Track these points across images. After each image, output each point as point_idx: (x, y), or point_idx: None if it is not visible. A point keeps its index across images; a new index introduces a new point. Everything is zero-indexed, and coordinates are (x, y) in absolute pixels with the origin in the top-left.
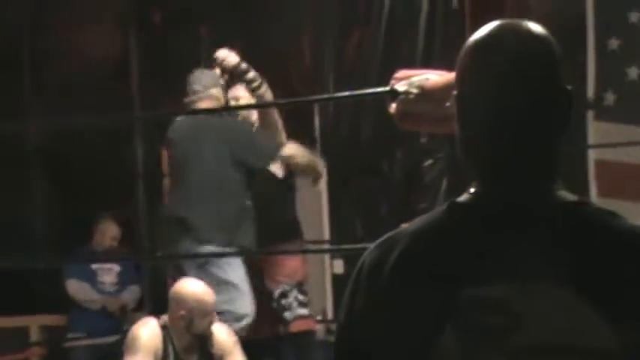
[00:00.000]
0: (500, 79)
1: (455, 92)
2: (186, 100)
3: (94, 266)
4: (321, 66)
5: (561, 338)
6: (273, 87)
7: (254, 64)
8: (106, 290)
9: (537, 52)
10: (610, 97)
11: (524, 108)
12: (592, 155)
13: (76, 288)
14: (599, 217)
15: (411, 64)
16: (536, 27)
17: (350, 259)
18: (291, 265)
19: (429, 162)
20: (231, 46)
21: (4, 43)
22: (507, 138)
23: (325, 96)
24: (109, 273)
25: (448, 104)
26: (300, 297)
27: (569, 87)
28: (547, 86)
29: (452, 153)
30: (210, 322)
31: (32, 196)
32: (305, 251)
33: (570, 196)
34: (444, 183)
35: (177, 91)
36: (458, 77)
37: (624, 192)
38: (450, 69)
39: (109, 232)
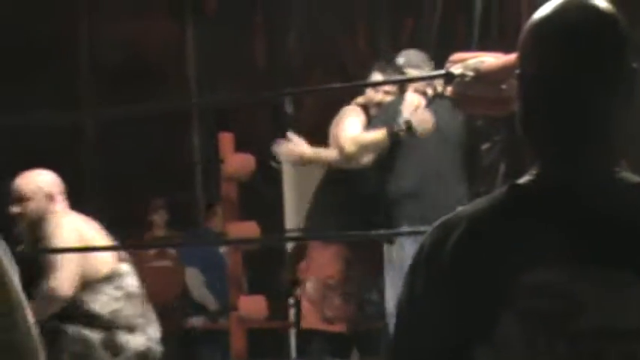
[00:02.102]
0: (565, 58)
1: (517, 71)
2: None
3: (222, 250)
4: (376, 51)
5: (622, 322)
6: (328, 74)
7: (308, 52)
8: None
9: (603, 29)
10: None
11: (588, 88)
12: None
13: (191, 279)
14: None
15: (467, 48)
16: (601, 3)
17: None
18: None
19: (486, 145)
20: (285, 35)
21: (60, 32)
22: (571, 118)
23: (381, 80)
24: None
25: (504, 86)
26: None
27: (635, 65)
28: (612, 65)
29: (509, 136)
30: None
31: (89, 184)
32: (352, 235)
33: (634, 178)
34: (502, 167)
35: (232, 80)
36: (521, 55)
37: None
38: (506, 51)
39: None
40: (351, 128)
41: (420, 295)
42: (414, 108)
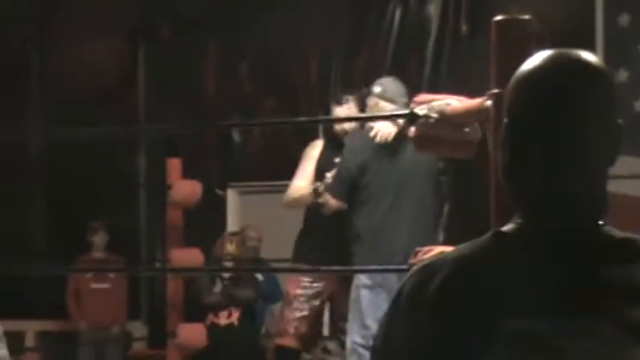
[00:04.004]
0: (556, 112)
1: (505, 120)
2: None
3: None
4: (327, 85)
5: None
6: (279, 103)
7: (260, 79)
8: None
9: (595, 83)
10: None
11: (578, 141)
12: None
13: None
14: None
15: (418, 85)
16: (592, 57)
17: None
18: None
19: None
20: (238, 60)
21: (11, 54)
22: (559, 169)
23: (342, 117)
24: None
25: (467, 130)
26: None
27: (620, 121)
28: (602, 120)
29: (455, 177)
30: None
31: (33, 204)
32: (305, 271)
33: (618, 233)
34: (446, 207)
35: (182, 103)
36: (510, 105)
37: (626, 224)
38: (456, 92)
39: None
40: (299, 177)
41: (400, 336)
42: (384, 138)
